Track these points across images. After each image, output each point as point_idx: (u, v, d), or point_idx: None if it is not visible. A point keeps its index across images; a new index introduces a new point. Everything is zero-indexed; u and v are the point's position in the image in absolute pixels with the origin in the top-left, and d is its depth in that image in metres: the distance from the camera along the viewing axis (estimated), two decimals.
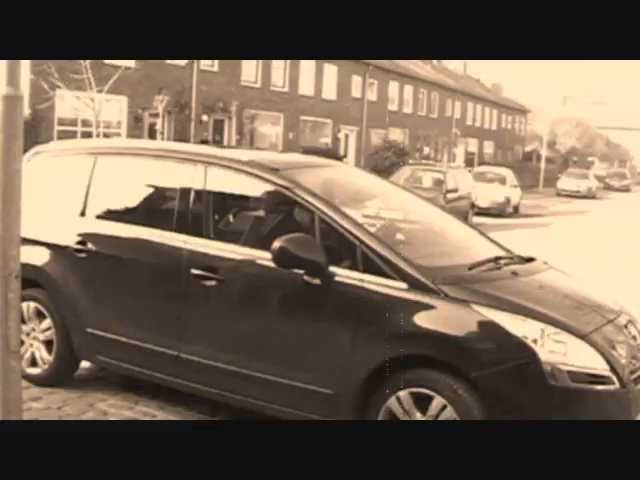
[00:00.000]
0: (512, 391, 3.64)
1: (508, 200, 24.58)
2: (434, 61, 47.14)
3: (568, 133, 58.78)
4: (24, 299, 4.50)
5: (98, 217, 4.99)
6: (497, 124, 54.86)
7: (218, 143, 26.23)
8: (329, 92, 33.78)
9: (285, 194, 4.30)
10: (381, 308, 3.87)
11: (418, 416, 3.77)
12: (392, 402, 3.81)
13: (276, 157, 5.94)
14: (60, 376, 5.15)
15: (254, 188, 4.65)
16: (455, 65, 51.91)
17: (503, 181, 25.59)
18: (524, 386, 3.64)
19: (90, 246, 4.88)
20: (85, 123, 19.94)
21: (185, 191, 4.59)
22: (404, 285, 3.84)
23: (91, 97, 18.39)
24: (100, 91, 18.35)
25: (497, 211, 23.59)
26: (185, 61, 24.42)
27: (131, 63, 20.34)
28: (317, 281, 3.97)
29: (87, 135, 19.03)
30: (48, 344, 5.10)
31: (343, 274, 3.95)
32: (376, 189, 5.47)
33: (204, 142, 22.72)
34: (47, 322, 5.08)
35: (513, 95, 62.04)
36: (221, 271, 4.30)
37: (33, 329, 5.14)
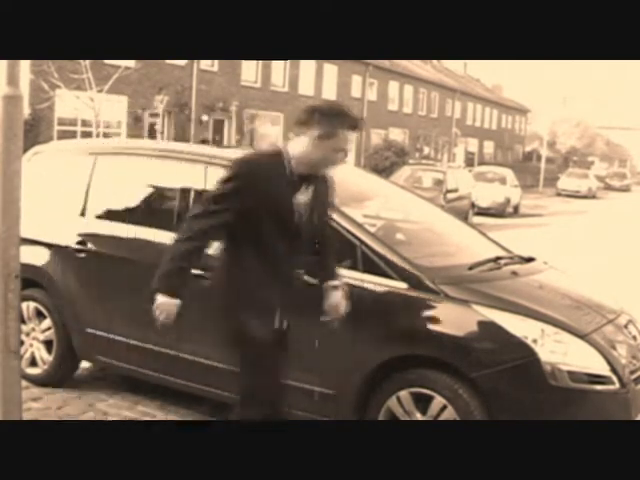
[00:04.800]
0: (512, 391, 3.64)
1: (508, 200, 24.58)
2: (434, 61, 47.16)
3: (568, 133, 58.85)
4: (24, 299, 4.51)
5: (98, 217, 4.99)
6: (497, 124, 54.86)
7: (218, 143, 26.24)
8: (329, 92, 33.76)
9: None
10: (381, 308, 3.87)
11: (418, 416, 3.77)
12: (392, 402, 3.82)
13: None
14: (60, 376, 5.15)
15: None
16: (455, 65, 51.91)
17: (503, 181, 25.58)
18: (524, 386, 3.64)
19: (90, 246, 4.89)
20: (85, 123, 19.94)
21: (185, 191, 4.60)
22: (404, 285, 3.85)
23: (91, 97, 18.39)
24: (100, 91, 18.35)
25: (497, 211, 23.59)
26: (185, 61, 24.43)
27: (131, 63, 20.35)
28: (317, 281, 3.96)
29: (87, 135, 19.03)
30: (48, 344, 5.11)
31: (343, 274, 3.95)
32: (376, 189, 5.47)
33: (204, 142, 22.73)
34: (47, 322, 5.09)
35: (513, 95, 62.09)
36: None
37: (33, 329, 5.15)
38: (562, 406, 3.59)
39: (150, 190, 5.08)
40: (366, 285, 3.90)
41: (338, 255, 4.01)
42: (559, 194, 39.87)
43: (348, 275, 3.93)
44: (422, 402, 3.76)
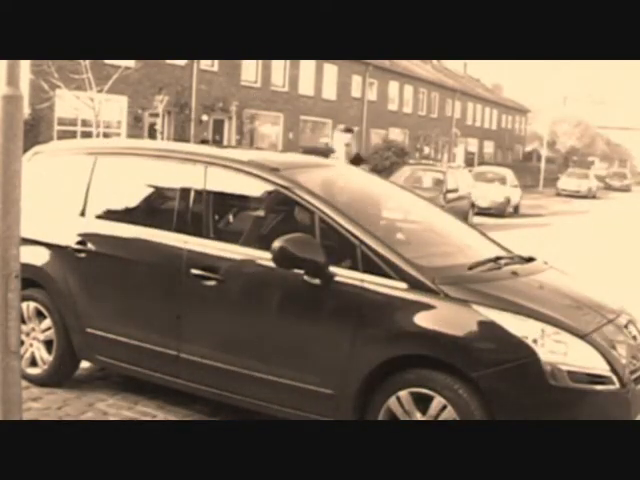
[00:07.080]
0: (512, 391, 3.64)
1: (508, 200, 24.60)
2: (434, 61, 47.16)
3: (568, 133, 58.81)
4: (24, 299, 4.51)
5: (98, 217, 4.99)
6: (497, 124, 54.86)
7: (218, 143, 26.24)
8: (329, 92, 33.76)
9: (285, 194, 4.31)
10: (381, 308, 3.88)
11: (418, 416, 3.77)
12: (392, 402, 3.81)
13: (276, 157, 5.94)
14: (60, 376, 5.15)
15: (254, 188, 4.65)
16: (455, 65, 51.90)
17: (503, 181, 25.60)
18: (524, 386, 3.64)
19: (90, 246, 4.89)
20: (85, 123, 19.93)
21: (185, 191, 4.60)
22: (404, 285, 3.84)
23: (91, 97, 18.38)
24: (100, 91, 18.34)
25: (497, 211, 23.60)
26: (185, 61, 24.43)
27: (131, 63, 20.34)
28: (317, 281, 3.97)
29: (87, 135, 19.02)
30: (48, 344, 5.11)
31: (343, 274, 3.95)
32: (376, 189, 5.47)
33: (204, 142, 22.73)
34: (47, 322, 5.09)
35: (513, 95, 62.04)
36: (221, 271, 4.31)
37: (33, 329, 5.15)
38: (562, 406, 3.59)
39: (150, 190, 5.08)
40: (366, 285, 3.89)
41: (338, 255, 4.03)
42: (559, 194, 39.87)
43: (348, 275, 3.94)
44: (422, 402, 3.76)
